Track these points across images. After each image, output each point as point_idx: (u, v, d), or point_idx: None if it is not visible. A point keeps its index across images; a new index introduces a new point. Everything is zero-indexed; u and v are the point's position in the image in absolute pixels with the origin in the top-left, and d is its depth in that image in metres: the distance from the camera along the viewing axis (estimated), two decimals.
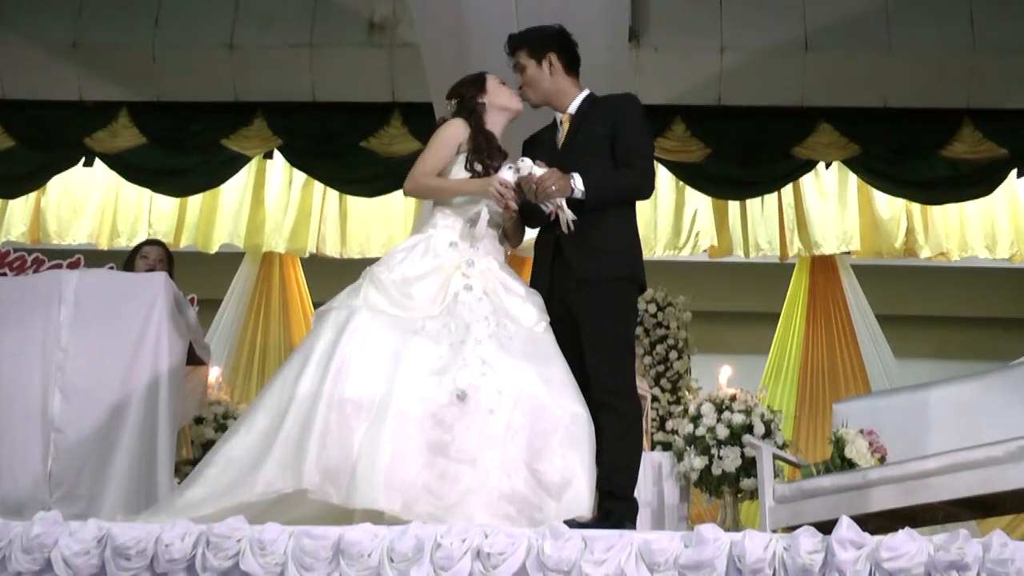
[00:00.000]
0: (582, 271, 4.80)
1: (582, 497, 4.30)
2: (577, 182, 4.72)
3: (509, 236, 5.08)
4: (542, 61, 5.10)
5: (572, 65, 5.18)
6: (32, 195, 10.72)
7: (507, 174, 4.78)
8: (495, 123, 5.10)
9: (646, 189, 5.08)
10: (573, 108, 5.10)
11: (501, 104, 5.11)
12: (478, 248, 4.83)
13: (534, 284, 5.02)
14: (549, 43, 5.14)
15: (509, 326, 4.61)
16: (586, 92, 5.17)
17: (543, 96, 5.13)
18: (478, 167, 4.95)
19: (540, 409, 4.41)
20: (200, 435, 7.54)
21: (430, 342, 4.50)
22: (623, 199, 5.00)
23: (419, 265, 4.75)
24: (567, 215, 4.66)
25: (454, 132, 5.03)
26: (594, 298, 4.79)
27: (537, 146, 5.12)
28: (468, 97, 5.16)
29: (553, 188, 4.66)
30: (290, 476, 4.25)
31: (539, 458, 4.34)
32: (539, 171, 4.67)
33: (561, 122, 5.12)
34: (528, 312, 4.73)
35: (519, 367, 4.48)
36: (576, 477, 4.33)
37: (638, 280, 4.96)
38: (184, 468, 7.39)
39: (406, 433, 4.29)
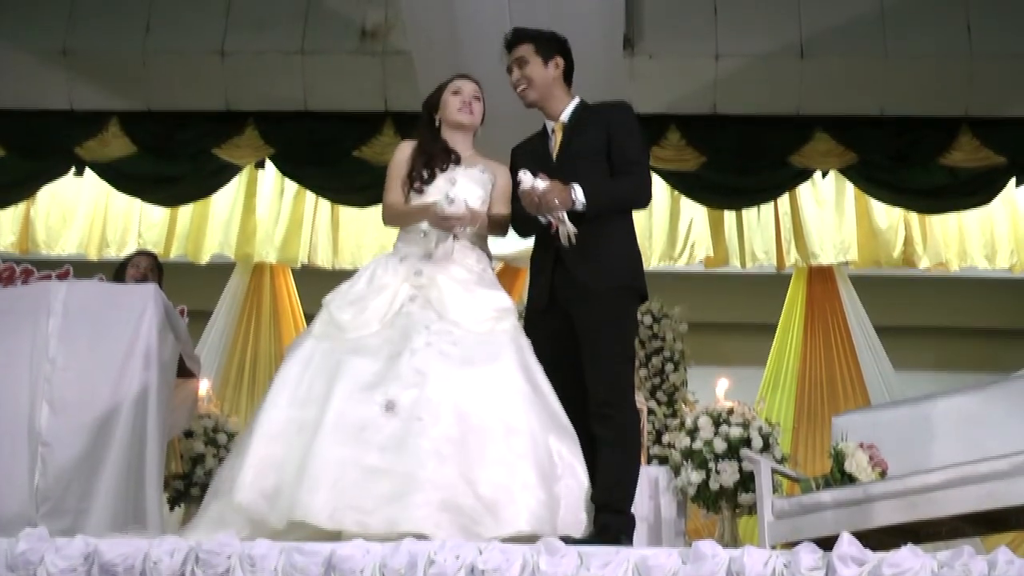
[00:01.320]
0: (584, 279, 4.79)
1: (518, 512, 4.23)
2: (578, 193, 4.71)
3: (489, 230, 5.11)
4: (548, 62, 5.11)
5: (569, 75, 5.19)
6: (21, 205, 10.71)
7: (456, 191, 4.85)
8: (452, 136, 5.13)
9: (644, 197, 5.10)
10: (565, 116, 5.10)
11: (448, 119, 5.13)
12: (429, 257, 4.83)
13: (533, 295, 5.04)
14: (557, 46, 5.16)
15: (453, 332, 4.60)
16: (577, 100, 5.17)
17: (541, 96, 5.11)
18: (415, 185, 5.00)
19: (474, 419, 4.37)
20: (189, 448, 7.54)
21: (367, 359, 4.54)
22: (622, 208, 5.02)
23: (367, 288, 4.81)
24: (569, 228, 4.65)
25: (397, 159, 5.14)
26: (596, 306, 4.78)
27: (528, 155, 5.11)
28: (424, 112, 5.24)
29: (556, 202, 4.65)
30: (227, 499, 4.41)
31: (472, 468, 4.29)
32: (541, 185, 4.63)
33: (553, 131, 5.11)
34: (480, 315, 4.70)
35: (457, 375, 4.45)
36: (512, 490, 4.27)
37: (640, 290, 4.96)
38: (173, 482, 7.38)
39: (337, 450, 4.31)
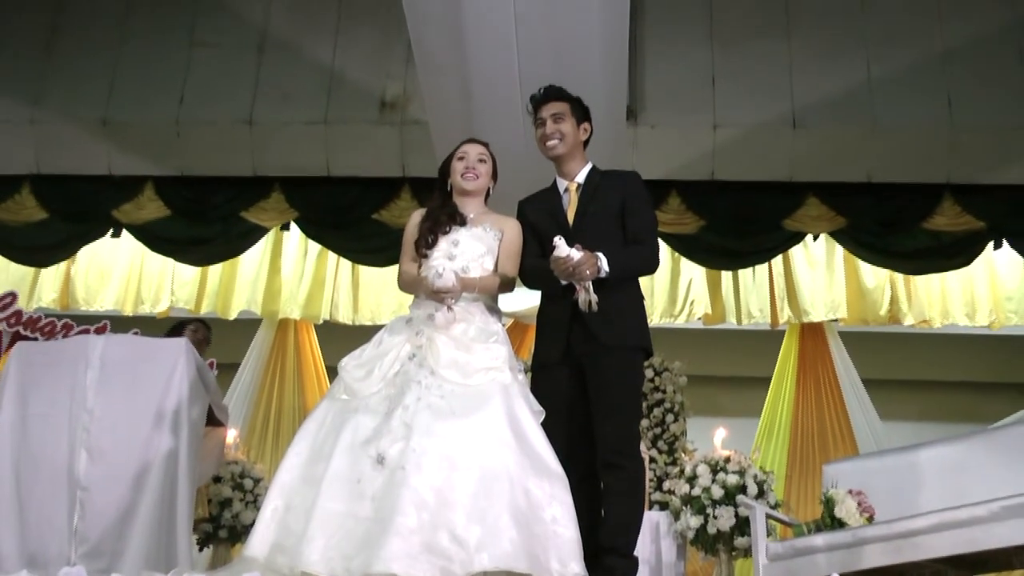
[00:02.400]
0: (603, 338, 4.81)
1: (492, 552, 4.21)
2: (603, 263, 4.75)
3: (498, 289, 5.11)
4: (580, 124, 5.20)
5: (587, 143, 5.26)
6: (62, 264, 10.74)
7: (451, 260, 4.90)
8: (462, 201, 5.15)
9: (655, 265, 5.16)
10: (581, 178, 5.15)
11: (456, 185, 5.15)
12: (431, 317, 4.82)
13: (545, 348, 5.03)
14: (587, 115, 5.26)
15: (443, 386, 4.59)
16: (590, 164, 5.23)
17: (568, 152, 5.16)
18: (422, 244, 5.03)
19: (455, 466, 4.36)
20: (218, 493, 7.53)
21: (368, 417, 4.58)
22: (637, 275, 5.10)
23: (375, 351, 4.84)
24: (592, 296, 4.67)
25: (409, 227, 5.19)
26: (610, 363, 4.81)
27: (541, 212, 5.14)
28: (440, 177, 5.25)
29: (587, 272, 4.68)
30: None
31: (449, 512, 4.27)
32: (577, 255, 4.66)
33: (567, 190, 5.15)
34: (471, 368, 4.67)
35: (440, 426, 4.45)
36: (486, 532, 4.26)
37: (648, 349, 5.02)
38: (201, 525, 7.37)
39: (335, 503, 4.36)
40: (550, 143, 5.16)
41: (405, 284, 5.11)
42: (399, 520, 4.23)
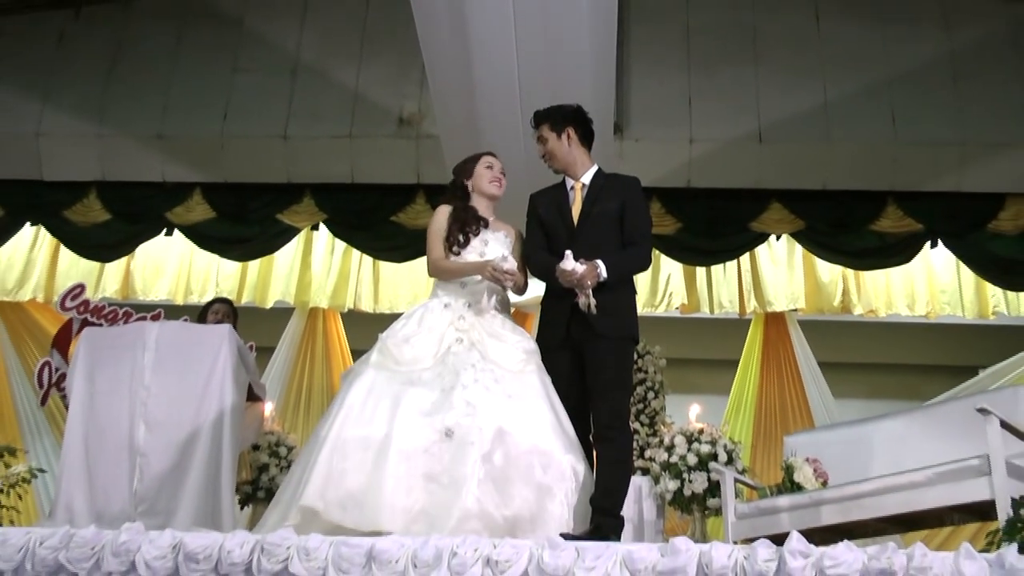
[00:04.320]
0: (600, 328, 4.78)
1: (546, 522, 4.26)
2: (602, 271, 4.73)
3: (518, 286, 5.06)
4: (561, 134, 5.10)
5: (586, 138, 5.18)
6: (123, 259, 10.75)
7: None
8: (479, 203, 5.12)
9: (648, 264, 5.18)
10: (587, 179, 5.09)
11: (480, 189, 5.12)
12: (469, 306, 4.82)
13: (548, 331, 4.99)
14: (568, 118, 5.15)
15: (495, 370, 4.61)
16: (596, 166, 5.17)
17: (562, 164, 5.12)
18: (455, 243, 4.97)
19: (513, 445, 4.38)
20: (256, 460, 7.53)
21: (425, 390, 4.54)
22: (632, 275, 5.09)
23: (417, 328, 4.80)
24: (591, 301, 4.68)
25: (439, 220, 5.09)
26: (606, 350, 4.80)
27: (550, 208, 5.09)
28: (457, 179, 5.19)
29: (588, 283, 4.67)
30: (295, 505, 4.38)
31: (508, 486, 4.31)
32: (580, 268, 4.65)
33: (573, 188, 5.09)
34: (514, 357, 4.70)
35: (500, 408, 4.46)
36: (539, 504, 4.30)
37: (636, 338, 5.00)
38: (243, 487, 7.40)
39: (405, 466, 4.33)
40: (546, 163, 5.16)
41: (441, 271, 5.01)
42: (467, 489, 4.26)
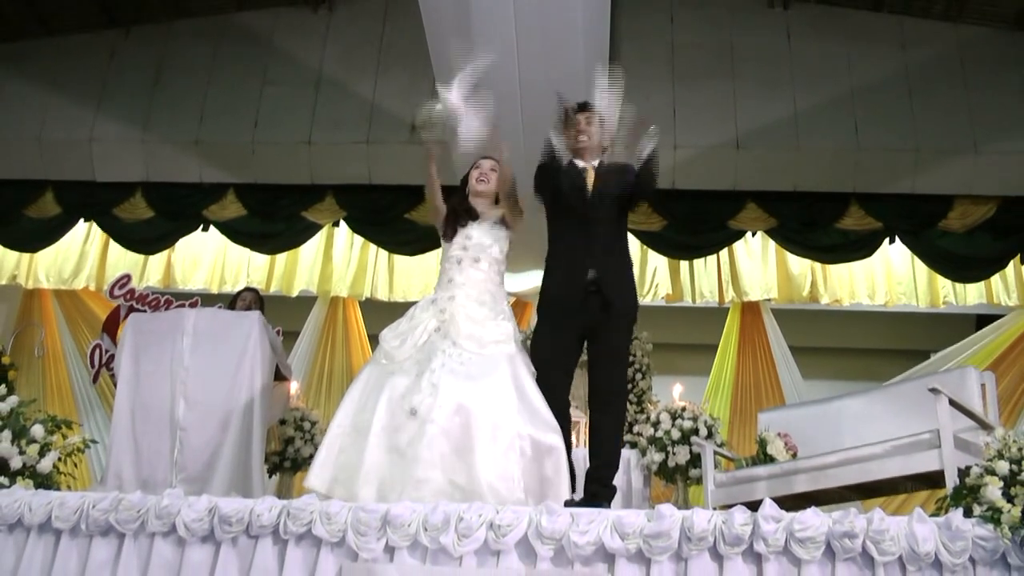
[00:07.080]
0: (616, 303, 4.77)
1: (498, 490, 4.22)
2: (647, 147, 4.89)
3: (509, 218, 5.10)
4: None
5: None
6: (165, 252, 10.77)
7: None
8: (476, 200, 5.18)
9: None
10: (595, 163, 5.10)
11: (470, 188, 5.20)
12: (453, 297, 4.82)
13: (564, 293, 4.87)
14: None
15: (462, 354, 4.59)
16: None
17: (591, 146, 5.11)
18: (445, 234, 5.10)
19: (472, 419, 4.36)
20: (283, 433, 7.54)
21: (403, 377, 4.56)
22: (651, 180, 5.00)
23: (408, 324, 4.81)
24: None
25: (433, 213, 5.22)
26: (616, 324, 4.80)
27: (568, 175, 5.04)
28: (461, 184, 5.31)
29: (636, 138, 4.80)
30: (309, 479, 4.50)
31: (468, 457, 4.30)
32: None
33: (585, 170, 5.07)
34: (486, 340, 4.66)
35: (462, 387, 4.45)
36: (495, 474, 4.27)
37: (636, 317, 4.97)
38: (271, 458, 7.41)
39: (378, 444, 4.38)
40: (583, 135, 5.14)
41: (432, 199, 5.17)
42: (425, 457, 4.27)
